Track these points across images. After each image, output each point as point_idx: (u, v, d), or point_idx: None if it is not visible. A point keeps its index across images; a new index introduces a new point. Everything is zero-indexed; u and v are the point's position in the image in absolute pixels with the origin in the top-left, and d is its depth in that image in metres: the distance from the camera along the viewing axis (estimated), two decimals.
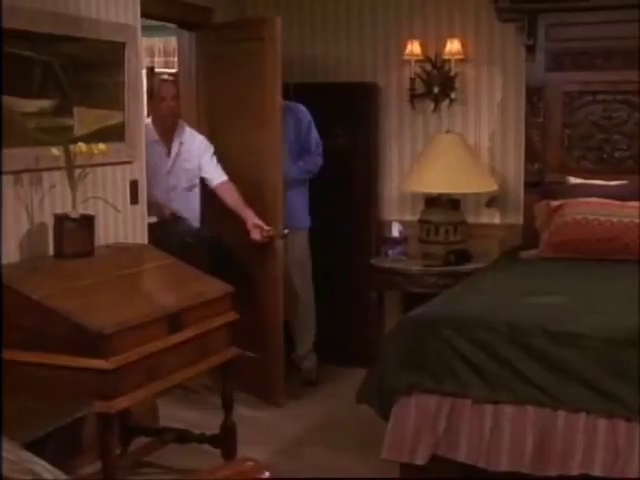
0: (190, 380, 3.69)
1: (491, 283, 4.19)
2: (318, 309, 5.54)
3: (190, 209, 5.12)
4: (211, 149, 5.09)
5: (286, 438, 4.51)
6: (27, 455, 1.57)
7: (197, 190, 5.15)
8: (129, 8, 4.40)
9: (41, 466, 1.67)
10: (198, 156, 5.06)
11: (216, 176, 5.03)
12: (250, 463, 2.62)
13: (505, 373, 3.42)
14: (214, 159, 5.07)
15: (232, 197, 4.98)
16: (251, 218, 4.91)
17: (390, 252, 5.39)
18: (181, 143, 5.07)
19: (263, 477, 2.48)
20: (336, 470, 4.06)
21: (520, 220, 5.40)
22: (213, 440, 4.04)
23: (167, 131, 5.09)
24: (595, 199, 4.87)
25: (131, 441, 4.15)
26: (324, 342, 5.53)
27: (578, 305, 3.69)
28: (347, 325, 5.70)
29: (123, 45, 4.30)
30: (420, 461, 3.48)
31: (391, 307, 5.57)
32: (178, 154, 5.07)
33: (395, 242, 5.42)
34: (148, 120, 5.01)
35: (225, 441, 4.01)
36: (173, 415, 4.63)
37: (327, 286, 5.63)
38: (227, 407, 4.03)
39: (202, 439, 4.07)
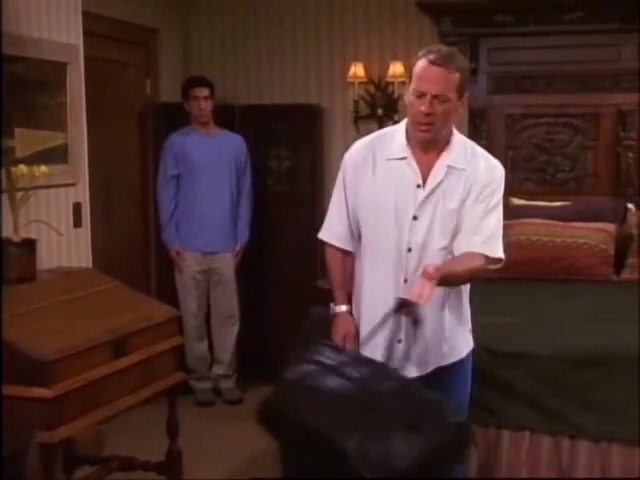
0: (135, 407, 3.62)
1: None
2: (262, 330, 5.52)
3: None
4: None
5: (231, 461, 4.47)
6: None
7: None
8: (71, 27, 4.36)
9: None
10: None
11: None
12: None
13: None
14: None
15: None
16: None
17: None
18: None
19: None
20: None
21: None
22: (158, 467, 3.98)
23: None
24: (538, 220, 4.94)
25: (75, 470, 4.07)
26: (268, 363, 5.49)
27: (523, 325, 3.73)
28: (292, 347, 5.67)
29: (65, 65, 4.26)
30: None
31: None
32: None
33: None
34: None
35: (171, 468, 3.95)
36: (119, 441, 4.56)
37: (272, 307, 5.61)
38: (172, 433, 3.97)
39: (147, 467, 4.00)
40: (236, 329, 5.49)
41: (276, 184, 5.79)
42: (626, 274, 4.86)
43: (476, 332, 3.56)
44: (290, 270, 5.70)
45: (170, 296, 5.25)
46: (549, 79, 5.33)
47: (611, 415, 3.29)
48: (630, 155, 5.24)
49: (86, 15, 4.45)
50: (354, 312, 3.12)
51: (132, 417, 4.29)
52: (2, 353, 3.10)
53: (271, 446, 4.65)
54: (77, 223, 4.47)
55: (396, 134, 2.98)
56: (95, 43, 4.72)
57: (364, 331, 3.01)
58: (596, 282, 4.71)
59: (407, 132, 2.93)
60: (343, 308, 3.13)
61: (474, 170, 2.97)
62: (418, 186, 2.90)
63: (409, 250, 2.90)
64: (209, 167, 5.33)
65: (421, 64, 2.83)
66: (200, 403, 5.44)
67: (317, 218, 5.75)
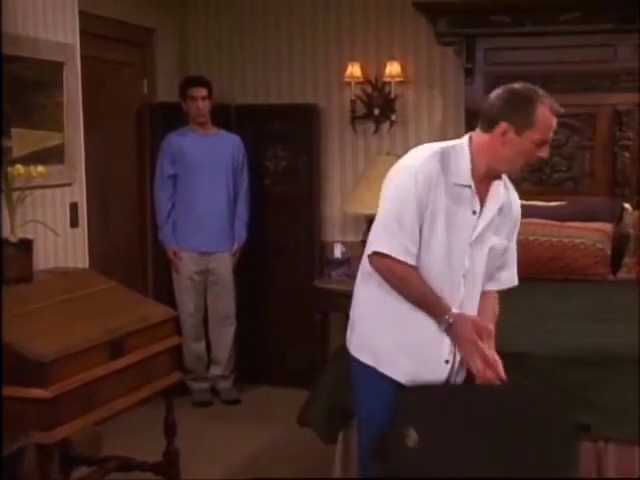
0: (132, 407, 3.61)
1: None
2: (260, 330, 5.51)
3: None
4: None
5: (228, 462, 4.45)
6: None
7: None
8: (68, 27, 4.35)
9: None
10: None
11: None
12: None
13: None
14: None
15: None
16: None
17: (333, 273, 5.40)
18: None
19: None
20: None
21: None
22: (156, 468, 3.97)
23: None
24: (535, 220, 4.93)
25: (72, 471, 4.06)
26: (266, 364, 5.50)
27: (520, 325, 3.71)
28: (289, 347, 5.67)
29: (62, 65, 4.25)
30: None
31: (335, 329, 5.55)
32: None
33: (338, 263, 5.43)
34: None
35: (168, 468, 3.94)
36: (117, 442, 4.55)
37: (269, 307, 5.60)
38: (169, 434, 3.96)
39: (145, 467, 3.99)
40: (233, 329, 5.48)
41: (273, 184, 5.79)
42: (623, 274, 4.86)
43: None
44: (288, 270, 5.70)
45: (167, 296, 5.24)
46: (546, 79, 5.29)
47: (609, 415, 3.28)
48: (627, 155, 5.23)
49: (82, 15, 4.45)
50: (400, 335, 2.95)
51: (129, 417, 4.30)
52: (2, 354, 3.08)
53: (268, 446, 4.70)
54: (74, 223, 4.45)
55: (460, 157, 2.90)
56: (92, 43, 4.71)
57: (416, 350, 2.93)
58: (593, 282, 4.71)
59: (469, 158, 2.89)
60: (456, 311, 2.89)
61: (515, 201, 3.08)
62: (474, 212, 2.90)
63: (463, 276, 2.91)
64: (206, 167, 5.33)
65: (550, 115, 2.90)
66: (197, 404, 5.43)
67: (314, 218, 5.77)
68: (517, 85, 2.95)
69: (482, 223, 2.91)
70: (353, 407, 3.47)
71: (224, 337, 5.49)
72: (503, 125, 2.85)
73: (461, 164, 2.88)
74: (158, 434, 4.09)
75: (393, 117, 5.65)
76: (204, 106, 5.36)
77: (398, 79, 5.61)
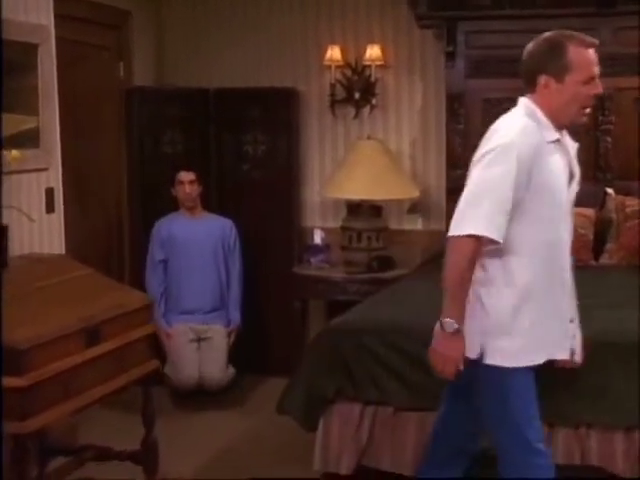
0: (109, 396, 3.59)
1: (413, 290, 4.20)
2: (243, 318, 5.49)
3: None
4: None
5: (208, 452, 4.45)
6: None
7: None
8: (42, 8, 4.28)
9: None
10: None
11: None
12: None
13: (427, 380, 3.37)
14: None
15: None
16: None
17: (312, 260, 5.38)
18: None
19: None
20: None
21: (442, 226, 5.36)
22: (134, 457, 3.95)
23: None
24: None
25: (49, 461, 4.03)
26: (244, 351, 5.49)
27: None
28: (269, 334, 5.67)
29: (36, 47, 4.20)
30: (345, 471, 3.47)
31: (315, 315, 5.56)
32: None
33: (317, 249, 5.42)
34: None
35: (147, 458, 3.92)
36: (93, 432, 4.52)
37: (248, 294, 5.58)
38: (148, 423, 3.94)
39: (123, 456, 3.97)
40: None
41: (252, 169, 5.76)
42: (605, 259, 4.87)
43: None
44: (266, 256, 5.69)
45: (143, 283, 5.22)
46: None
47: (591, 401, 3.29)
48: (609, 139, 5.23)
49: None
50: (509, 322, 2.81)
51: (106, 407, 4.30)
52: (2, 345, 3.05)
53: (248, 435, 4.69)
54: (50, 209, 4.41)
55: (536, 118, 2.82)
56: (67, 25, 4.65)
57: (538, 342, 2.83)
58: (575, 267, 4.69)
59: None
60: (457, 326, 2.75)
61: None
62: (567, 169, 2.87)
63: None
64: (196, 249, 5.36)
65: (584, 50, 2.82)
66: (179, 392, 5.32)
67: (293, 203, 5.76)
68: (545, 34, 2.93)
69: (575, 180, 2.92)
70: (330, 394, 3.49)
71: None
72: (542, 78, 2.84)
73: (543, 121, 2.83)
74: (136, 423, 4.09)
75: (373, 101, 5.63)
76: (192, 190, 5.37)
77: (379, 63, 5.59)
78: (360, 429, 3.48)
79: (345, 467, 3.48)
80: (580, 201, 4.84)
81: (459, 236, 2.71)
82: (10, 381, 3.07)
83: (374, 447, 3.48)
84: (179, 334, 5.28)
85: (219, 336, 5.33)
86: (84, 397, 3.40)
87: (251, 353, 5.55)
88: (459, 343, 2.75)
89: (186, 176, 5.37)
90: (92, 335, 3.45)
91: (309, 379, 3.56)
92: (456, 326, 2.74)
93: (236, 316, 5.46)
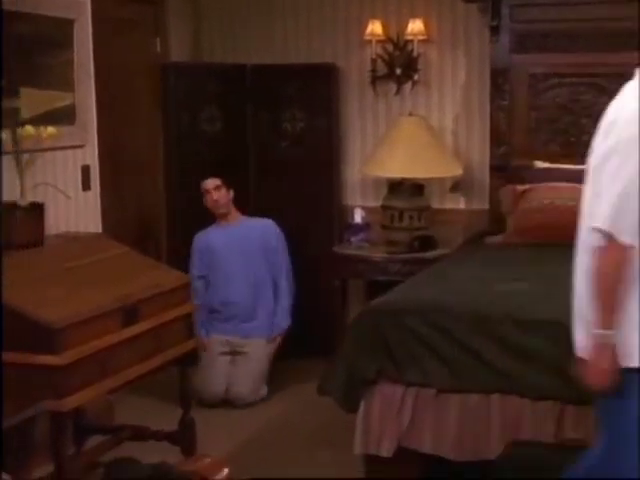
0: (146, 376, 3.63)
1: (456, 270, 4.19)
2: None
3: None
4: None
5: (246, 434, 4.48)
6: None
7: None
8: None
9: None
10: None
11: None
12: (208, 459, 2.61)
13: (470, 361, 3.43)
14: None
15: None
16: None
17: (353, 239, 5.38)
18: None
19: (222, 474, 2.48)
20: (297, 462, 4.09)
21: (486, 205, 5.41)
22: (171, 437, 4.00)
23: None
24: (562, 184, 4.89)
25: (85, 440, 4.09)
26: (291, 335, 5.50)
27: (544, 292, 3.69)
28: (308, 314, 5.66)
29: (72, 22, 4.22)
30: (385, 453, 3.48)
31: (355, 296, 5.56)
32: None
33: (358, 229, 5.41)
34: None
35: (184, 437, 3.97)
36: (130, 412, 4.57)
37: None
38: (185, 402, 3.99)
39: (160, 436, 4.02)
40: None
41: (290, 147, 5.74)
42: None
43: (496, 299, 3.58)
44: (306, 236, 5.65)
45: (181, 262, 5.24)
46: (573, 37, 5.23)
47: None
48: None
49: None
50: None
51: (143, 387, 4.34)
52: (2, 319, 3.09)
53: (288, 417, 4.71)
54: (86, 186, 4.46)
55: None
56: (103, 0, 4.67)
57: None
58: None
59: None
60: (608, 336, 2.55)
61: None
62: None
63: None
64: (234, 259, 5.21)
65: None
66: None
67: (334, 182, 5.74)
68: None
69: None
70: (372, 375, 3.48)
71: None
72: None
73: None
74: (173, 404, 4.13)
75: (415, 77, 5.59)
76: (219, 197, 5.21)
77: (421, 37, 5.55)
78: (402, 411, 3.49)
79: (386, 449, 3.48)
80: None
81: (613, 241, 2.52)
82: (46, 359, 3.12)
83: (415, 429, 3.48)
84: (214, 345, 5.16)
85: (258, 350, 5.16)
86: (121, 376, 3.46)
87: (290, 334, 5.55)
88: (609, 353, 2.57)
89: (211, 183, 5.22)
90: (129, 314, 3.50)
91: (350, 360, 3.56)
92: (607, 336, 2.57)
93: (282, 320, 5.29)
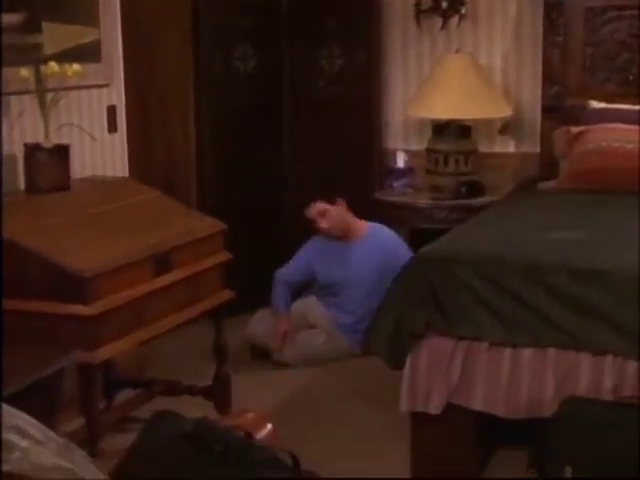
0: (180, 327, 3.62)
1: (507, 218, 4.12)
2: None
3: None
4: None
5: (285, 393, 4.43)
6: (10, 410, 1.51)
7: None
8: None
9: (26, 422, 1.60)
10: None
11: None
12: (251, 414, 2.59)
13: (524, 314, 3.36)
14: None
15: None
16: None
17: (395, 184, 5.33)
18: None
19: (266, 430, 2.46)
20: (340, 422, 4.06)
21: (537, 148, 5.34)
22: (205, 392, 4.00)
23: None
24: (620, 125, 4.81)
25: (116, 394, 4.10)
26: None
27: (602, 240, 3.63)
28: None
29: None
30: (434, 410, 3.44)
31: None
32: None
33: (400, 173, 5.36)
34: None
35: (219, 393, 3.97)
36: (160, 365, 4.57)
37: None
38: (220, 355, 3.98)
39: (193, 391, 4.02)
40: None
41: (328, 86, 5.66)
42: None
43: (552, 248, 3.52)
44: (345, 180, 5.58)
45: (212, 209, 5.20)
46: None
47: None
48: None
49: None
50: None
51: (174, 340, 4.33)
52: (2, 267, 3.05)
53: (328, 375, 4.68)
54: (112, 128, 4.44)
55: None
56: None
57: None
58: None
59: None
60: None
61: None
62: None
63: None
64: (349, 283, 4.86)
65: None
66: None
67: (374, 123, 5.68)
68: None
69: None
70: (419, 328, 3.44)
71: None
72: None
73: None
74: (206, 358, 4.12)
75: (463, 11, 5.49)
76: (330, 224, 4.78)
77: None
78: (451, 366, 3.43)
79: (434, 406, 3.43)
80: None
81: None
82: (76, 309, 3.13)
83: (466, 385, 3.42)
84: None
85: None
86: (154, 327, 3.46)
87: None
88: None
89: (314, 211, 4.81)
90: (162, 262, 3.49)
91: (396, 312, 3.50)
92: None
93: None
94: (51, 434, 1.69)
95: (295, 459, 2.03)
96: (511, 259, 3.44)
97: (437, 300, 3.45)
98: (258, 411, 2.56)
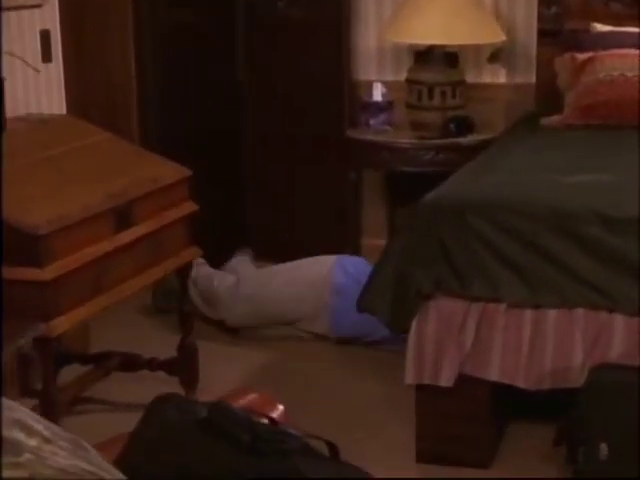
0: (145, 289, 3.55)
1: (515, 158, 4.10)
2: (279, 195, 5.41)
3: None
4: None
5: (258, 367, 4.41)
6: (5, 401, 1.42)
7: None
8: None
9: (27, 415, 1.50)
10: None
11: None
12: (254, 394, 2.50)
13: (549, 269, 3.37)
14: None
15: None
16: None
17: (372, 121, 5.25)
18: None
19: (278, 411, 2.38)
20: (345, 398, 4.07)
21: (532, 79, 5.33)
22: (168, 365, 3.94)
23: None
24: (627, 50, 4.81)
25: (60, 370, 4.00)
26: (287, 238, 5.41)
27: (633, 184, 3.61)
28: (316, 213, 5.56)
29: None
30: (444, 383, 3.43)
31: (371, 191, 5.48)
32: None
33: (377, 108, 5.27)
34: None
35: (184, 367, 3.90)
36: (107, 338, 4.46)
37: (290, 165, 5.49)
38: (186, 323, 3.91)
39: (154, 365, 3.96)
40: None
41: (289, 6, 5.54)
42: None
43: (577, 193, 3.50)
44: (311, 117, 5.54)
45: (164, 152, 5.11)
46: None
47: None
48: None
49: None
50: None
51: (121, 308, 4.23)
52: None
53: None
54: (46, 57, 4.34)
55: None
56: None
57: None
58: None
59: None
60: None
61: None
62: None
63: None
64: None
65: None
66: None
67: (343, 49, 5.58)
68: None
69: None
70: (427, 287, 3.40)
71: None
72: None
73: None
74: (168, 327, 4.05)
75: None
76: None
77: None
78: (464, 330, 3.42)
79: (445, 378, 3.42)
80: None
81: None
82: (29, 273, 3.03)
83: (481, 353, 3.42)
84: None
85: None
86: (116, 291, 3.43)
87: (295, 239, 5.45)
88: None
89: None
90: (122, 216, 3.43)
91: (399, 269, 3.47)
92: None
93: None
94: (56, 429, 1.59)
95: (334, 448, 1.96)
96: (533, 206, 3.44)
97: (447, 255, 3.44)
98: (258, 390, 2.48)
